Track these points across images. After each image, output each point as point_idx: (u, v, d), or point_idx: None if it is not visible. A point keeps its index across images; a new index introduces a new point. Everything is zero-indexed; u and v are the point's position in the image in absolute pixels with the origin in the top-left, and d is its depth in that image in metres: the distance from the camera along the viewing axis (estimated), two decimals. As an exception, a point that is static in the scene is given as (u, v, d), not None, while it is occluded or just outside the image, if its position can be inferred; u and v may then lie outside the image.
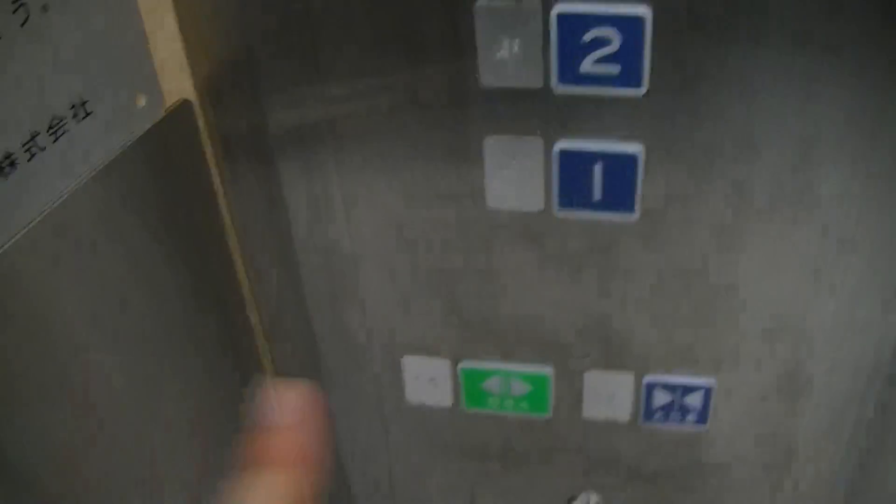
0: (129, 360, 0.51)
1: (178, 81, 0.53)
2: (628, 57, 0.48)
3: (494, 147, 0.53)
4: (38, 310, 0.43)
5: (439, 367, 0.65)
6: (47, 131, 0.42)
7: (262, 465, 0.36)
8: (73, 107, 0.44)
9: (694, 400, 0.63)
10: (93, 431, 0.48)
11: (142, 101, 0.50)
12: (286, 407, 0.37)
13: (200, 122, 0.55)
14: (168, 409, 0.55)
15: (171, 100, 0.53)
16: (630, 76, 0.49)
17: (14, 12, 0.39)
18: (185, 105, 0.54)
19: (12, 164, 0.40)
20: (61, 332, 0.45)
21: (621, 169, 0.52)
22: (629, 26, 0.47)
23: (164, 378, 0.55)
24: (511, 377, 0.64)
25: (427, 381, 0.66)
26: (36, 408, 0.43)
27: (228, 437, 0.59)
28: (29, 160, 0.41)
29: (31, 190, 0.41)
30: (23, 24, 0.40)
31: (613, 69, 0.49)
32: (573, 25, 0.48)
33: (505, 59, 0.50)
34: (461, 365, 0.64)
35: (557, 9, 0.48)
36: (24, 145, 0.40)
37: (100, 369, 0.48)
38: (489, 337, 0.62)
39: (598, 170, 0.53)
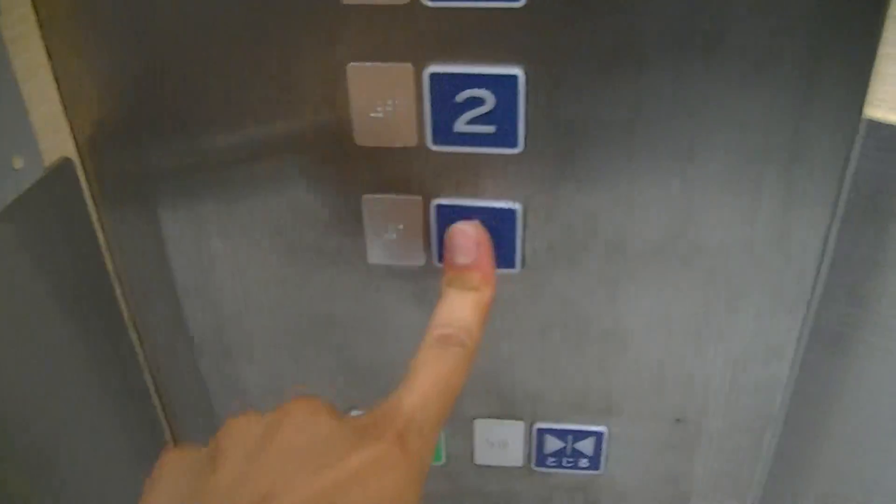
0: (18, 422, 0.51)
1: (58, 140, 0.53)
2: (503, 117, 0.49)
3: (372, 204, 0.53)
4: None
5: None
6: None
7: (455, 285, 0.49)
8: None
9: (586, 446, 0.64)
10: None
11: (18, 163, 0.50)
12: (468, 240, 0.51)
13: (82, 179, 0.55)
14: (58, 466, 0.55)
15: (51, 158, 0.53)
16: (506, 136, 0.50)
17: None
18: (65, 163, 0.53)
19: None
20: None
21: (500, 225, 0.53)
22: (503, 86, 0.48)
23: (54, 438, 0.54)
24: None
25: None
26: None
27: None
28: None
29: None
30: None
31: (488, 129, 0.49)
32: (446, 85, 0.48)
33: (379, 119, 0.50)
34: (352, 414, 0.64)
35: (430, 69, 0.48)
36: None
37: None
38: (378, 387, 0.62)
39: (477, 226, 0.53)
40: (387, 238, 0.55)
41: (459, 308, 0.48)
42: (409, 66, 0.48)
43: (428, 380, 0.44)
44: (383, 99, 0.49)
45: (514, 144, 0.50)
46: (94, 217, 0.56)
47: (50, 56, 0.51)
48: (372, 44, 0.48)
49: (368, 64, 0.48)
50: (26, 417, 0.52)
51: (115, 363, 0.61)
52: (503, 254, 0.54)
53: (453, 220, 0.53)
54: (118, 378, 0.62)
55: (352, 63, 0.49)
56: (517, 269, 0.55)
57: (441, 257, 0.54)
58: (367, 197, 0.53)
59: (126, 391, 0.63)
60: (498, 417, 0.64)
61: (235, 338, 0.62)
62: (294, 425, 0.39)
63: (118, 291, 0.60)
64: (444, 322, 0.47)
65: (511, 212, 0.52)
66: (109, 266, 0.58)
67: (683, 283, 0.55)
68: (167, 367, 0.64)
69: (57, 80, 0.52)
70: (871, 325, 0.55)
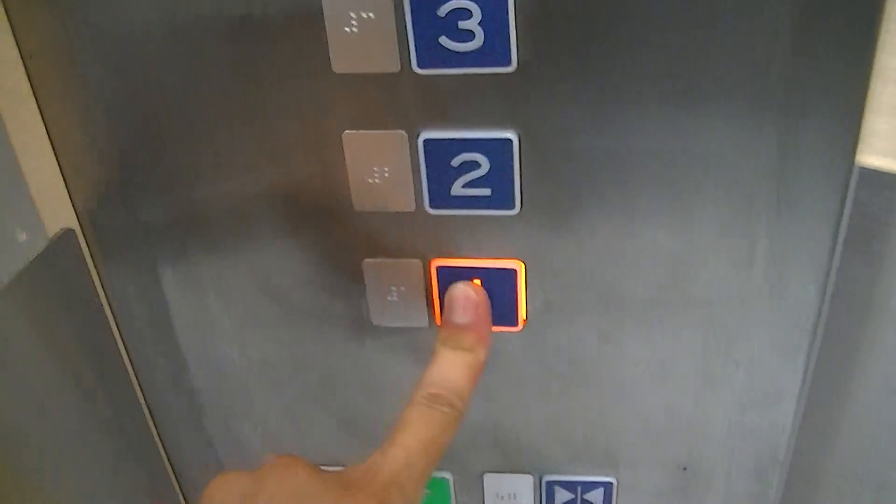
0: (27, 487, 0.51)
1: (59, 211, 0.53)
2: (498, 179, 0.49)
3: (373, 268, 0.54)
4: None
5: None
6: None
7: (449, 345, 0.50)
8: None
9: (595, 497, 0.63)
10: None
11: (22, 236, 0.50)
12: (466, 301, 0.52)
13: (84, 248, 0.55)
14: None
15: (53, 229, 0.53)
16: (502, 197, 0.50)
17: None
18: (68, 234, 0.54)
19: None
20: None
21: (501, 284, 0.53)
22: (497, 149, 0.48)
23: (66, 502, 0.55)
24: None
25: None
26: None
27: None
28: None
29: None
30: None
31: (485, 191, 0.50)
32: (441, 151, 0.49)
33: (376, 185, 0.50)
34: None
35: (424, 135, 0.48)
36: None
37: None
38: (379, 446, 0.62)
39: (477, 286, 0.53)
40: (389, 301, 0.55)
41: (451, 369, 0.49)
42: (402, 133, 0.48)
43: (414, 438, 0.44)
44: (380, 165, 0.50)
45: (510, 206, 0.50)
46: (97, 283, 0.57)
47: (46, 126, 0.52)
48: (366, 111, 0.48)
49: (363, 132, 0.49)
50: (35, 482, 0.52)
51: (123, 426, 0.62)
52: (504, 313, 0.54)
53: (454, 281, 0.53)
54: (127, 439, 0.62)
55: (347, 131, 0.49)
56: (518, 327, 0.55)
57: (445, 318, 0.55)
58: (367, 261, 0.54)
59: (134, 452, 0.63)
60: (506, 471, 0.63)
61: (239, 397, 0.62)
62: (277, 484, 0.40)
63: (124, 355, 0.60)
64: (435, 382, 0.48)
65: (511, 272, 0.52)
66: (114, 330, 0.59)
67: (682, 333, 0.55)
68: (173, 426, 0.65)
69: (55, 150, 0.52)
70: (873, 369, 0.55)
